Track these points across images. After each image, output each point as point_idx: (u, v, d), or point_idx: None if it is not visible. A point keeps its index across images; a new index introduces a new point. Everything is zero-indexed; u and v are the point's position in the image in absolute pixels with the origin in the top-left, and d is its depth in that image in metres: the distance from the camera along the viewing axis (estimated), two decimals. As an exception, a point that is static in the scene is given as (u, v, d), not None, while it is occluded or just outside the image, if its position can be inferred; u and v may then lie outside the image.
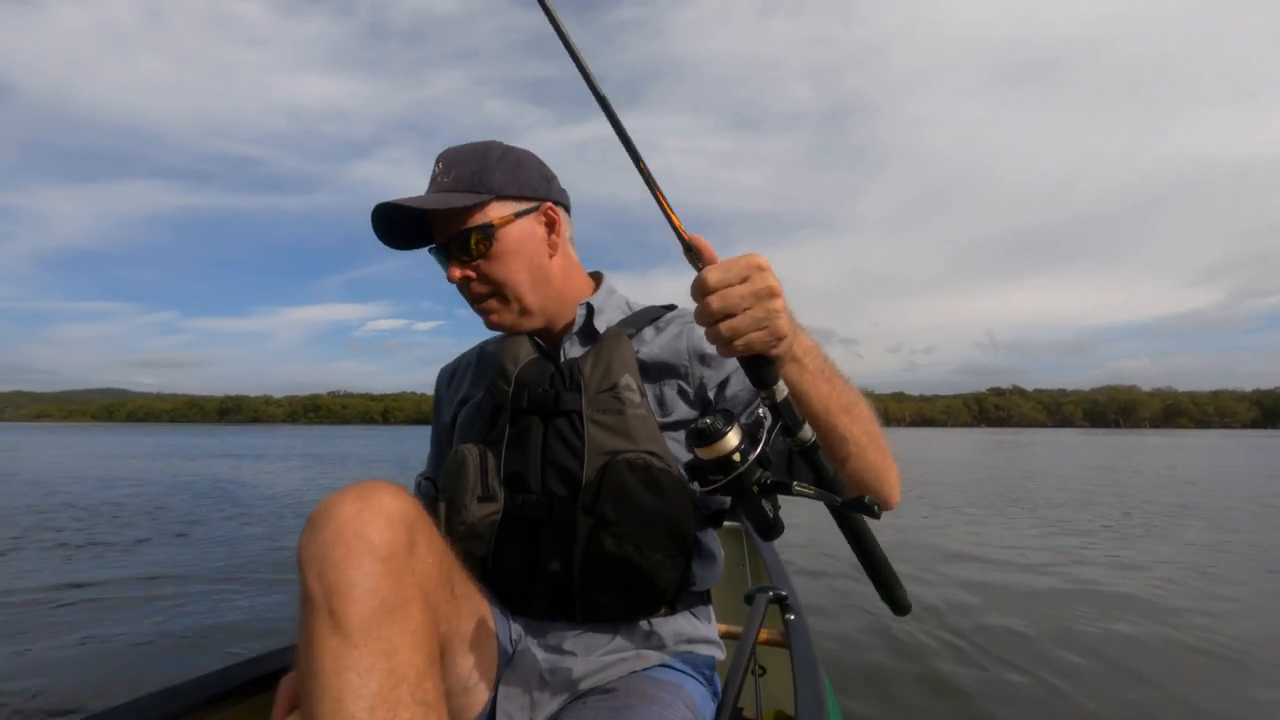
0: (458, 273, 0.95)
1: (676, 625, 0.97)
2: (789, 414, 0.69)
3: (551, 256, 1.00)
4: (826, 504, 0.69)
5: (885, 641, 3.16)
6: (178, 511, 7.96)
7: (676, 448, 0.95)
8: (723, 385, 0.96)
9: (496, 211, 0.94)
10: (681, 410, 0.97)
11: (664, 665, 0.95)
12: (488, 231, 0.93)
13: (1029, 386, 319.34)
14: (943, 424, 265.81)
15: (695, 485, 0.73)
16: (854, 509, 0.66)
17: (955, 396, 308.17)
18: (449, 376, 1.18)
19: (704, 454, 0.67)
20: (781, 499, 0.70)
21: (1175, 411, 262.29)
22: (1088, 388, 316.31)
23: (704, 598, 1.03)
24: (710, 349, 0.96)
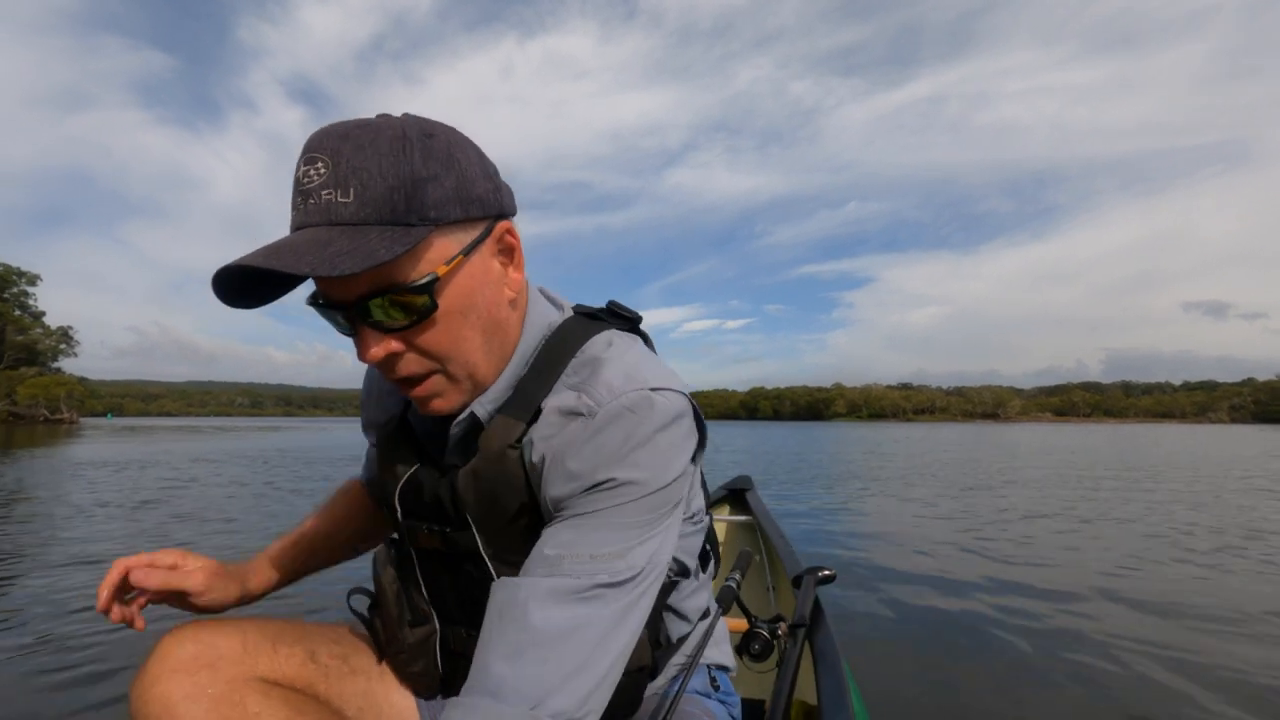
0: (379, 351, 0.62)
1: (666, 677, 0.89)
2: None
3: (512, 302, 0.69)
4: None
5: (898, 622, 3.07)
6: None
7: None
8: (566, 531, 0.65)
9: (439, 252, 0.60)
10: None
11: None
12: (429, 289, 0.60)
13: None
14: None
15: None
16: None
17: None
18: (367, 394, 0.89)
19: None
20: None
21: None
22: None
23: (690, 626, 0.91)
24: (602, 477, 0.63)
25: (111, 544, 4.62)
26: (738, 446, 21.82)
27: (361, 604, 0.88)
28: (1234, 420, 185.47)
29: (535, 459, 0.67)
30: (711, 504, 2.90)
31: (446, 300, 0.61)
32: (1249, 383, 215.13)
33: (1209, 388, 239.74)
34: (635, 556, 0.63)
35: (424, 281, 0.59)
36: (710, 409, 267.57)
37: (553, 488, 0.65)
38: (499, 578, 0.65)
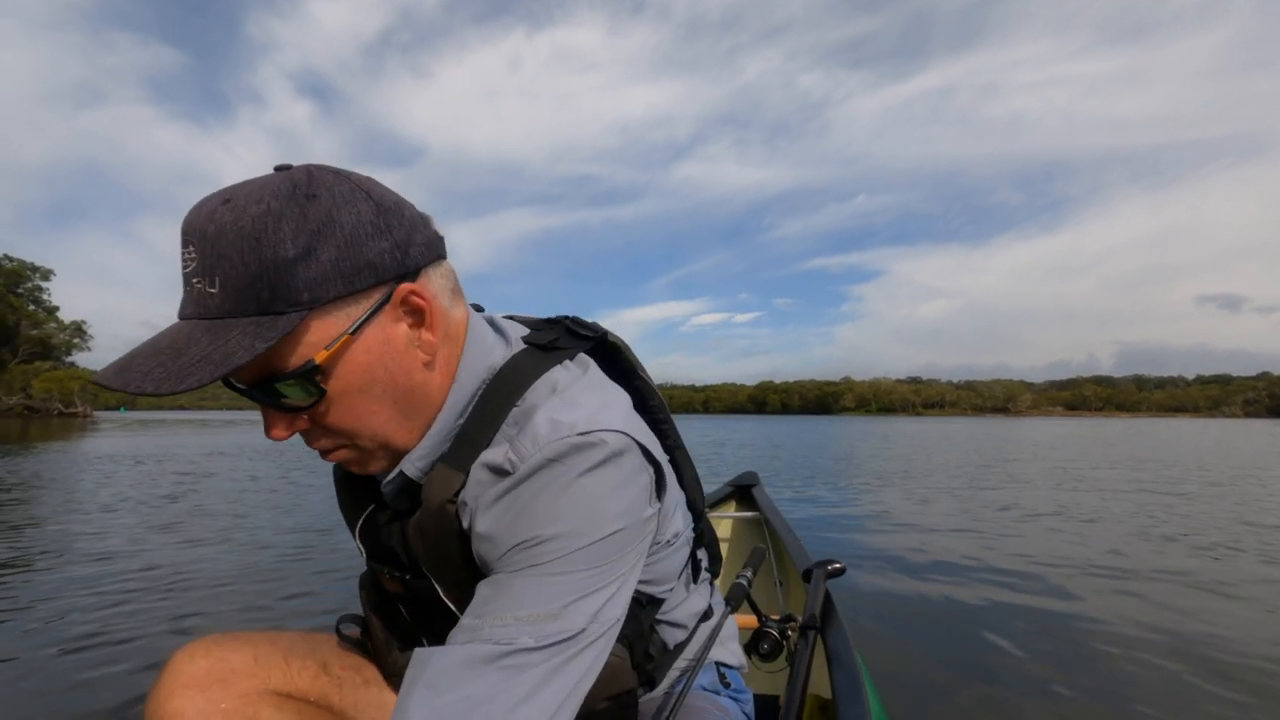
0: (283, 430, 0.61)
1: (668, 682, 0.89)
2: None
3: (428, 364, 0.64)
4: None
5: (912, 616, 3.07)
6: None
7: None
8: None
9: (319, 334, 0.56)
10: None
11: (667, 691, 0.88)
12: (309, 376, 0.57)
13: None
14: None
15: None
16: None
17: None
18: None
19: None
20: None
21: None
22: None
23: (687, 631, 0.90)
24: (525, 535, 0.60)
25: (127, 541, 4.69)
26: (745, 441, 21.80)
27: (353, 629, 0.88)
28: (1248, 415, 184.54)
29: (466, 518, 0.65)
30: (717, 501, 2.92)
31: (338, 382, 0.58)
32: (1264, 376, 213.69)
33: (1223, 381, 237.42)
34: (572, 616, 0.57)
35: (303, 369, 0.56)
36: (718, 403, 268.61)
37: (480, 547, 0.63)
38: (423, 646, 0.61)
